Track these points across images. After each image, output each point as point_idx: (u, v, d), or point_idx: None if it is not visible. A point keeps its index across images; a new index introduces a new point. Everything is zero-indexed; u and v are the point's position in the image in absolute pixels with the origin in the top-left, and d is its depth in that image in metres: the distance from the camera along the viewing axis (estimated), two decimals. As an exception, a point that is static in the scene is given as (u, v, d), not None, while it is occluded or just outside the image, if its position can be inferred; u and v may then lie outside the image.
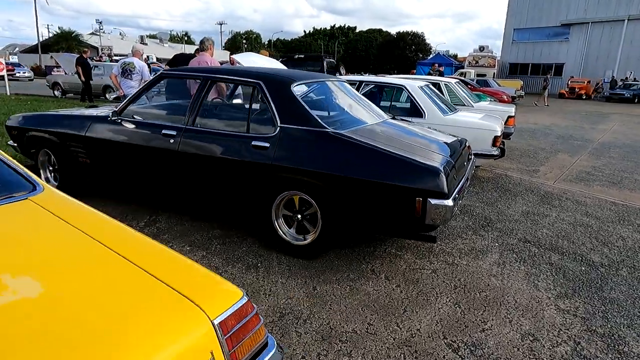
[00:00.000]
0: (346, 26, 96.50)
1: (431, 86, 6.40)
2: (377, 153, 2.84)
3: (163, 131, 3.48)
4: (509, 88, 20.54)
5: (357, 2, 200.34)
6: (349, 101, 3.98)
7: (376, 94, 6.70)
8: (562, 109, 19.77)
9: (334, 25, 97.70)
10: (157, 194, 4.12)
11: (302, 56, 21.52)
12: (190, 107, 3.45)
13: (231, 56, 6.84)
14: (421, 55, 60.85)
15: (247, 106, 3.23)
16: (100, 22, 43.23)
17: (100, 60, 28.64)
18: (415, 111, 5.64)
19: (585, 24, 31.83)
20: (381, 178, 2.75)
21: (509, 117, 7.59)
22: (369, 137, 3.10)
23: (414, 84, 5.83)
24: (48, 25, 44.10)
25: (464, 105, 7.70)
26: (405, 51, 67.76)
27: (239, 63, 6.60)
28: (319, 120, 3.04)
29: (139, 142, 3.60)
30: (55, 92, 15.78)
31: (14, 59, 38.04)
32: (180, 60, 7.15)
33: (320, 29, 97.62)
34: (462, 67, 31.10)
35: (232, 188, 3.31)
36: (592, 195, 5.34)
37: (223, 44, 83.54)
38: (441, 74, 13.87)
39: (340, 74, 19.81)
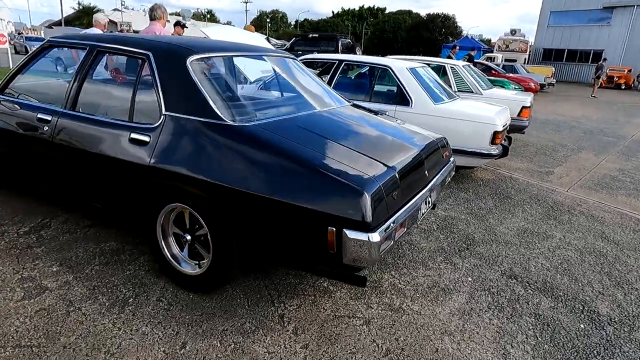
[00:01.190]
0: (375, 7, 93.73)
1: (427, 69, 5.41)
2: (286, 158, 1.98)
3: (38, 115, 2.71)
4: (539, 75, 18.96)
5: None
6: (290, 83, 3.11)
7: (360, 76, 5.76)
8: (597, 99, 18.10)
9: (363, 5, 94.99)
10: (43, 191, 3.36)
11: (316, 35, 20.61)
12: (71, 85, 2.66)
13: (201, 29, 6.00)
14: (451, 39, 58.23)
15: (133, 86, 2.43)
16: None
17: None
18: (401, 98, 4.69)
19: (630, 6, 29.24)
20: (283, 195, 1.90)
21: (524, 107, 6.52)
22: (290, 133, 2.24)
23: (402, 65, 4.86)
24: (79, 1, 44.00)
25: (472, 92, 6.67)
26: (434, 34, 65.08)
27: (206, 37, 5.76)
28: (216, 109, 2.19)
29: (13, 128, 2.85)
30: (58, 68, 15.31)
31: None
32: None
33: (349, 9, 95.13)
34: (492, 52, 29.24)
35: (114, 193, 2.53)
36: (613, 209, 4.31)
37: (248, 23, 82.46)
38: (471, 58, 12.58)
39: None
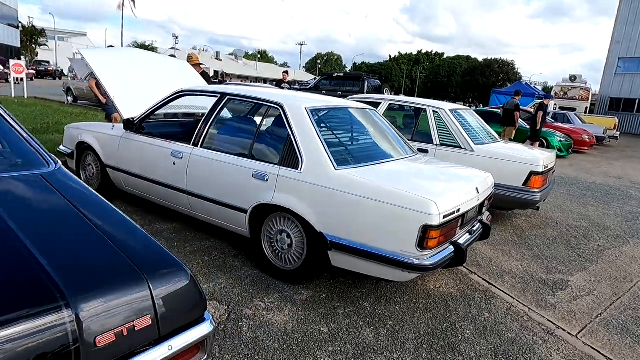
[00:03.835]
0: (433, 52, 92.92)
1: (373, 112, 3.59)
2: None
3: None
4: (597, 127, 16.17)
5: (454, 30, 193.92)
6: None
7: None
8: (672, 158, 14.91)
9: (421, 50, 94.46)
10: None
11: (342, 75, 19.36)
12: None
13: (81, 50, 4.64)
14: (508, 85, 55.20)
15: None
16: (177, 37, 45.42)
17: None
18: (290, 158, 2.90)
19: None
20: None
21: (533, 174, 4.44)
22: None
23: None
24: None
25: (458, 146, 4.74)
26: (490, 79, 62.31)
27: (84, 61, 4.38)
28: None
29: None
30: (68, 98, 15.06)
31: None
32: None
33: (406, 53, 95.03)
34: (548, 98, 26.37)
35: None
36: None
37: (304, 65, 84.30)
38: (517, 108, 10.50)
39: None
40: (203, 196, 3.34)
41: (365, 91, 16.44)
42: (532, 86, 34.45)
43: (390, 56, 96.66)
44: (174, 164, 3.50)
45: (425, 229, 2.40)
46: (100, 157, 4.17)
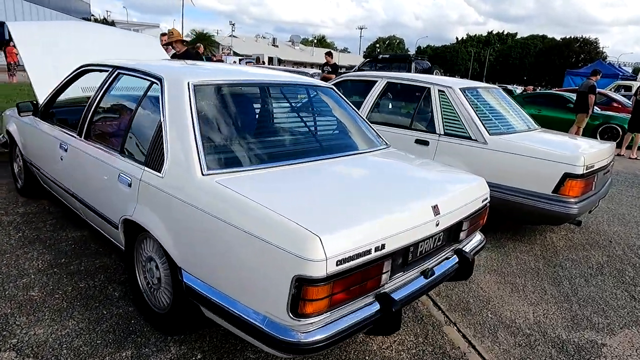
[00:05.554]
0: (505, 32, 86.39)
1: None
2: None
3: None
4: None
5: (532, 8, 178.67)
6: None
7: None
8: None
9: (491, 31, 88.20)
10: None
11: (387, 56, 17.99)
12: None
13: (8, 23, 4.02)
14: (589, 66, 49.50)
15: None
16: (233, 24, 45.60)
17: (213, 57, 29.05)
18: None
19: None
20: None
21: (568, 177, 3.19)
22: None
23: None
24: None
25: (467, 137, 3.57)
26: (569, 60, 56.36)
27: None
28: None
29: None
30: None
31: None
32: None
33: (474, 35, 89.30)
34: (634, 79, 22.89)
35: None
36: None
37: (364, 50, 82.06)
38: (591, 90, 8.74)
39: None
40: (83, 201, 2.57)
41: (412, 73, 15.02)
42: (618, 66, 30.43)
43: (457, 38, 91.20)
44: (62, 158, 2.75)
45: (301, 284, 1.39)
46: (20, 147, 3.55)
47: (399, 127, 3.99)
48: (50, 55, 3.73)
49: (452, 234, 2.09)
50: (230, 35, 47.81)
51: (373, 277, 1.60)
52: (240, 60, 27.69)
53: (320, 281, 1.39)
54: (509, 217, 3.64)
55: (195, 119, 1.94)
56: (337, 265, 1.42)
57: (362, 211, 1.65)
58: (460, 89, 3.79)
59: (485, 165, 3.44)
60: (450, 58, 78.52)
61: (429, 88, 3.91)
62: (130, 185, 2.07)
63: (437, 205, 1.86)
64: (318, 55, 49.89)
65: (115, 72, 2.58)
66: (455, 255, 2.17)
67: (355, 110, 2.79)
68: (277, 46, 50.66)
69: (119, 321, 2.17)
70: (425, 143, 3.78)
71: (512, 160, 3.32)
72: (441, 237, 1.99)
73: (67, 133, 2.74)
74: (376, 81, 4.30)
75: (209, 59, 12.88)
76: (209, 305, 1.67)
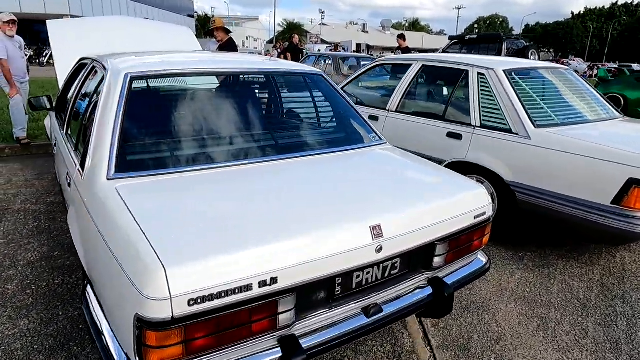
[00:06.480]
0: (634, 2, 74.82)
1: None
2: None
3: None
4: None
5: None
6: None
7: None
8: None
9: (616, 2, 76.95)
10: None
11: (474, 37, 16.51)
12: None
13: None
14: None
15: None
16: (323, 12, 45.46)
17: (299, 44, 29.63)
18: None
19: None
20: None
21: (634, 183, 2.43)
22: None
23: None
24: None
25: (508, 130, 2.96)
26: None
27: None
28: None
29: None
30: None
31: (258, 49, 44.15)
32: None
33: (595, 8, 78.82)
34: None
35: None
36: None
37: (462, 31, 77.08)
38: None
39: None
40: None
41: (503, 55, 13.54)
42: None
43: (572, 13, 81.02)
44: (55, 152, 2.78)
45: (141, 325, 1.11)
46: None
47: (431, 118, 3.44)
48: (79, 50, 3.84)
49: (419, 259, 1.63)
50: (320, 24, 48.06)
51: (263, 318, 1.25)
52: (327, 47, 27.61)
53: (163, 325, 1.09)
54: (558, 231, 2.94)
55: (120, 115, 1.74)
56: (189, 305, 1.11)
57: (253, 234, 1.30)
58: (505, 70, 3.11)
59: (527, 165, 2.79)
60: (563, 36, 70.40)
61: (467, 71, 3.29)
62: (69, 185, 1.96)
63: (378, 226, 1.44)
64: (409, 39, 48.01)
65: (92, 65, 2.49)
66: (429, 286, 1.70)
67: (344, 102, 2.38)
68: (367, 32, 49.65)
69: (67, 325, 2.10)
70: (458, 137, 3.19)
71: (559, 160, 2.63)
72: (397, 265, 1.55)
73: (59, 129, 2.75)
74: (411, 65, 3.76)
75: (300, 51, 12.67)
76: (95, 332, 1.46)
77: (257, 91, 2.35)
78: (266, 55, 21.58)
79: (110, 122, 1.72)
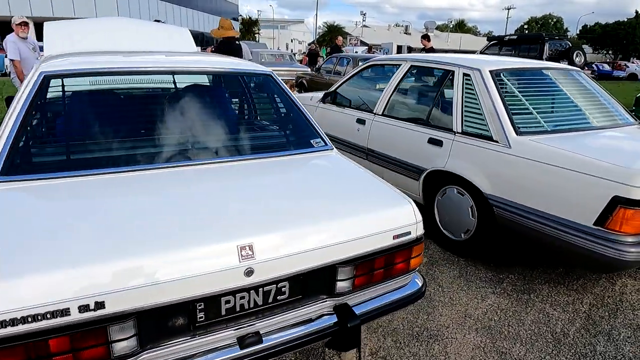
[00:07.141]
0: None
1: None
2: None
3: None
4: None
5: None
6: None
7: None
8: None
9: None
10: None
11: (514, 37, 15.76)
12: None
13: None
14: None
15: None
16: (364, 14, 45.09)
17: (339, 44, 29.69)
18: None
19: None
20: None
21: (617, 203, 2.09)
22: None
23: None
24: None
25: (488, 137, 2.68)
26: None
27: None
28: None
29: None
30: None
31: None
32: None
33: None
34: None
35: None
36: None
37: (512, 31, 73.95)
38: None
39: (573, 64, 13.48)
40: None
41: (544, 56, 12.76)
42: None
43: (637, 12, 75.57)
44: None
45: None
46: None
47: (414, 122, 3.18)
48: (69, 51, 3.89)
49: (319, 284, 1.43)
50: (362, 26, 47.71)
51: (90, 347, 1.11)
52: (369, 49, 27.29)
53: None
54: (541, 253, 2.61)
55: (21, 116, 1.66)
56: (-14, 329, 0.99)
57: (84, 251, 1.15)
58: (492, 71, 2.81)
59: (505, 177, 2.48)
60: (624, 36, 65.94)
61: (454, 71, 3.01)
62: None
63: (249, 246, 1.26)
64: (454, 41, 46.56)
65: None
66: (335, 315, 1.50)
67: (292, 105, 2.20)
68: (409, 34, 48.66)
69: None
70: (439, 143, 2.92)
71: (539, 172, 2.31)
72: (284, 290, 1.36)
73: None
74: (399, 65, 3.52)
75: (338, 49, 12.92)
76: None
77: (192, 92, 2.22)
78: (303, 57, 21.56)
79: (10, 123, 1.64)
